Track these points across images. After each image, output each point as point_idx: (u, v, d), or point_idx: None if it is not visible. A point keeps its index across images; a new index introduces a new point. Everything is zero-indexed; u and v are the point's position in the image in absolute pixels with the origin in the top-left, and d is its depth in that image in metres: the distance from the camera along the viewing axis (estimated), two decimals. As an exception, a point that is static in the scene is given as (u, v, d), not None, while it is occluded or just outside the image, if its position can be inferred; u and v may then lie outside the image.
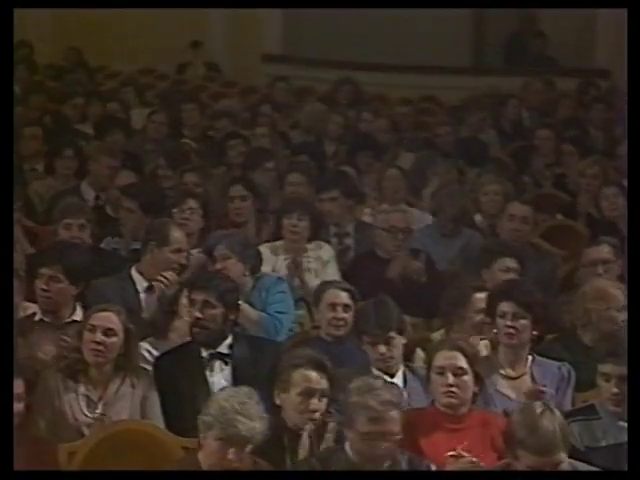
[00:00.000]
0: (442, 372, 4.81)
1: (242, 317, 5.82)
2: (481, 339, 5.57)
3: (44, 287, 5.49)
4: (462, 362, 4.82)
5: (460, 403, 4.80)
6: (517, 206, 7.05)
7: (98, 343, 5.00)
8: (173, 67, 12.69)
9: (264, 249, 6.50)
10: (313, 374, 4.72)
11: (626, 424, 4.78)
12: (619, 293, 5.56)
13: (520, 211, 7.01)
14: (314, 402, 4.70)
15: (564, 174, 8.78)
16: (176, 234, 6.19)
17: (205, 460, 4.35)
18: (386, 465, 4.39)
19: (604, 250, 6.28)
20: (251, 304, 5.97)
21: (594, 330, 5.51)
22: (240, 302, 5.78)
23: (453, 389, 4.79)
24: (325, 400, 4.73)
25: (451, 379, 4.79)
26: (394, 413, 4.38)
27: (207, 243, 6.31)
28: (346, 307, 5.67)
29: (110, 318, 5.06)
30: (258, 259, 6.20)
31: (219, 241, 6.16)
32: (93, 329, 5.03)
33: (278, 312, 6.02)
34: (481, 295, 5.62)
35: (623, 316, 5.48)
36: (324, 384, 4.72)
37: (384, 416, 4.36)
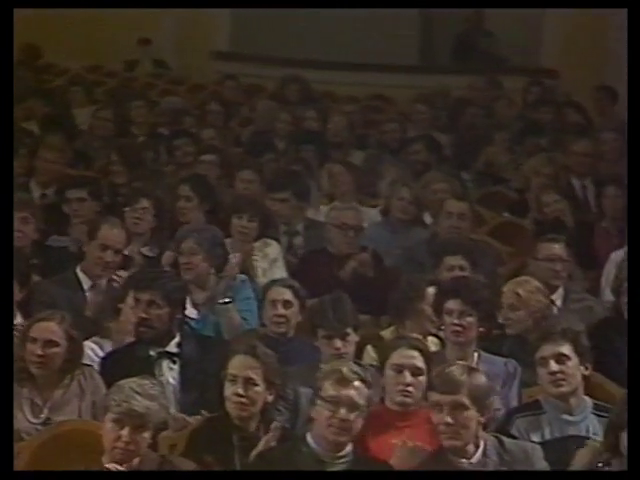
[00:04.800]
0: (400, 370, 4.82)
1: (226, 320, 5.84)
2: (429, 335, 5.60)
3: None
4: (420, 362, 4.84)
5: (414, 402, 4.82)
6: (453, 203, 7.10)
7: (40, 356, 4.93)
8: (121, 64, 12.61)
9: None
10: (241, 358, 4.70)
11: (571, 417, 4.85)
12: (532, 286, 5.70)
13: (456, 208, 7.06)
14: (238, 388, 4.65)
15: (512, 172, 8.84)
16: (105, 231, 6.11)
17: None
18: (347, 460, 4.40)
19: (557, 247, 6.32)
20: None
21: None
22: (230, 300, 5.84)
23: (409, 388, 4.80)
24: (258, 389, 4.68)
25: (409, 378, 4.81)
26: (360, 384, 4.42)
27: (176, 235, 6.27)
28: (287, 304, 5.68)
29: (50, 328, 4.96)
30: (225, 257, 6.18)
31: (188, 235, 6.14)
32: (34, 341, 4.95)
33: (248, 323, 6.01)
34: (434, 290, 5.66)
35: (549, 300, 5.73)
36: (253, 372, 4.67)
37: (350, 381, 4.40)
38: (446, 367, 4.53)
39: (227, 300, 5.93)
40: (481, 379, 4.44)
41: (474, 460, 4.40)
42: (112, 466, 4.25)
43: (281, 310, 5.68)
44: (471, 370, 4.48)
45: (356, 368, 4.51)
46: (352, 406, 4.41)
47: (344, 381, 4.42)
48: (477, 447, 4.42)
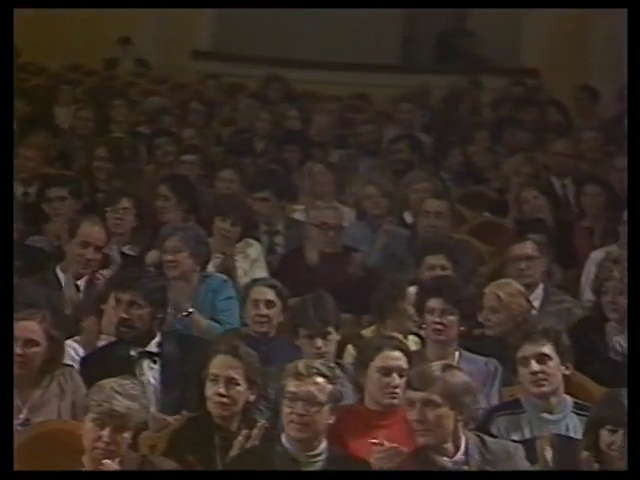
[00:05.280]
0: (387, 373, 4.82)
1: (193, 324, 5.83)
2: (410, 334, 5.61)
3: None
4: (404, 363, 4.85)
5: (399, 403, 4.81)
6: (432, 202, 7.12)
7: (19, 355, 4.89)
8: (102, 63, 12.58)
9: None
10: (222, 358, 4.69)
11: (551, 416, 4.85)
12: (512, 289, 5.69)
13: (434, 207, 7.08)
14: (220, 388, 4.64)
15: (493, 171, 8.87)
16: (86, 229, 6.09)
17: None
18: (322, 459, 4.38)
19: (528, 246, 6.34)
20: (199, 304, 5.96)
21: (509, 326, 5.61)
22: (192, 310, 5.81)
23: (397, 390, 4.80)
24: (239, 389, 4.67)
25: (397, 381, 4.80)
26: (321, 379, 4.38)
27: (160, 233, 6.27)
28: (269, 303, 5.67)
29: (30, 328, 4.92)
30: (209, 255, 6.18)
31: (172, 233, 6.14)
32: (14, 340, 4.90)
33: (229, 323, 6.00)
34: (415, 289, 5.67)
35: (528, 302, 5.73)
36: (234, 372, 4.66)
37: (307, 376, 4.37)
38: (425, 365, 4.52)
39: (190, 311, 5.90)
40: (458, 377, 4.40)
41: (456, 459, 4.39)
42: (108, 463, 4.22)
43: (263, 310, 5.67)
44: (448, 368, 4.44)
45: (316, 364, 4.46)
46: (311, 401, 4.37)
47: (301, 376, 4.39)
48: (458, 446, 4.41)
